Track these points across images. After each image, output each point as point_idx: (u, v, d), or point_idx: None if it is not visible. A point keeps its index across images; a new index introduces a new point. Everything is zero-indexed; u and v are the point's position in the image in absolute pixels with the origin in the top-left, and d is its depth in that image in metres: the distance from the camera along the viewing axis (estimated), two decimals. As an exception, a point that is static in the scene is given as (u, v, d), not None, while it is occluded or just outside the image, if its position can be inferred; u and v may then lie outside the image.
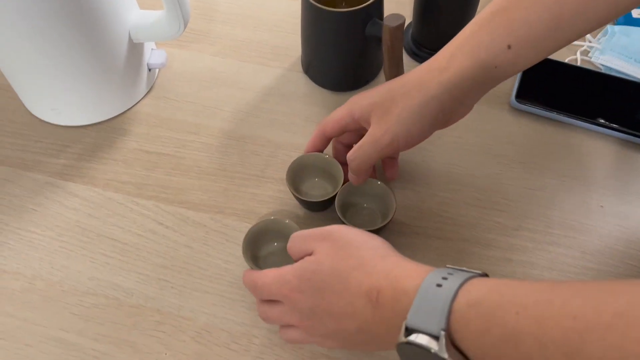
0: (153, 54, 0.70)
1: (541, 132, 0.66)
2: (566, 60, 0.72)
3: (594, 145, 0.65)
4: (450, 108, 0.50)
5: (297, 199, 0.58)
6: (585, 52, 0.73)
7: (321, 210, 0.60)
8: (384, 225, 0.55)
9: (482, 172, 0.63)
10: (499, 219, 0.60)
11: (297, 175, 0.59)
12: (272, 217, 0.56)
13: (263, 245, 0.56)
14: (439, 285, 0.37)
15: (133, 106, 0.69)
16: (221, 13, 0.79)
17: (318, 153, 0.59)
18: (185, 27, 0.64)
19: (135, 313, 0.54)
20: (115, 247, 0.58)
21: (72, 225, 0.60)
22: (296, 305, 0.45)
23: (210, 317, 0.54)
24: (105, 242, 0.59)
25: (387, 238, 0.57)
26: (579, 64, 0.72)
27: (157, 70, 0.72)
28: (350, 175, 0.56)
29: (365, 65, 0.69)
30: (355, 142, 0.55)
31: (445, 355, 0.35)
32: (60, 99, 0.65)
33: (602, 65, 0.71)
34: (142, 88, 0.70)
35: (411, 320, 0.37)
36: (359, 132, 0.56)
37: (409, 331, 0.37)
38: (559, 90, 0.68)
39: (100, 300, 0.55)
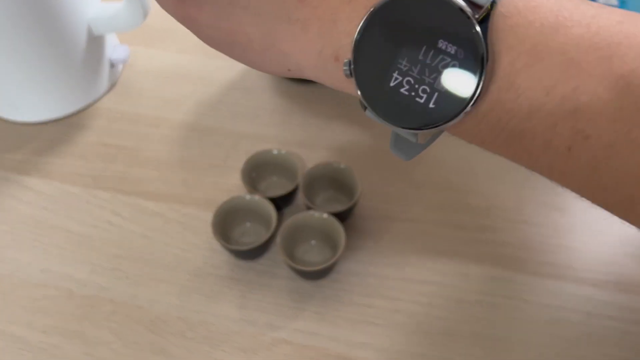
0: (115, 50, 0.68)
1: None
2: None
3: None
4: None
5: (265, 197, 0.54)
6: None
7: (285, 206, 0.57)
8: (350, 208, 0.52)
9: (451, 154, 0.61)
10: (469, 200, 0.57)
11: (253, 172, 0.57)
12: (247, 195, 0.53)
13: (235, 226, 0.53)
14: None
15: (94, 102, 0.67)
16: (187, 13, 0.78)
17: (273, 150, 0.57)
18: (145, 17, 0.62)
19: (87, 304, 0.51)
20: (69, 239, 0.55)
21: (26, 218, 0.57)
22: None
23: (166, 305, 0.51)
24: (59, 233, 0.56)
25: (355, 224, 0.55)
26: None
27: (120, 66, 0.70)
28: None
29: None
30: None
31: (477, 29, 0.22)
32: (18, 95, 0.63)
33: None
34: (104, 84, 0.68)
35: None
36: None
37: None
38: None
39: (50, 292, 0.52)
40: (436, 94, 0.24)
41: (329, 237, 0.51)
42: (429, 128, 0.25)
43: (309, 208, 0.53)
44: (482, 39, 0.22)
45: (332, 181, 0.56)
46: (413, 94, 0.24)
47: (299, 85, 0.68)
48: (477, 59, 0.23)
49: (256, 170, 0.56)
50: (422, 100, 0.24)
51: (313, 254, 0.52)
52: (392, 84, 0.25)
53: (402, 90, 0.25)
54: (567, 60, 0.22)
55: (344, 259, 0.53)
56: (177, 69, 0.71)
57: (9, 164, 0.62)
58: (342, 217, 0.53)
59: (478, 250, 0.53)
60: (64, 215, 0.57)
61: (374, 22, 0.24)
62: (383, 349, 0.48)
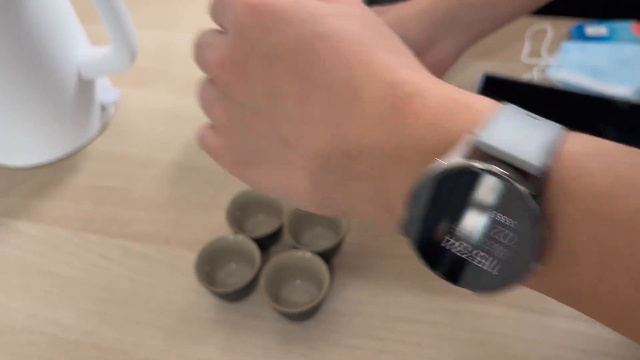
0: (106, 92, 0.69)
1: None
2: (523, 77, 0.70)
3: (555, 157, 0.62)
4: (416, 40, 0.48)
5: (251, 238, 0.53)
6: (542, 71, 0.71)
7: (271, 245, 0.56)
8: (336, 246, 0.51)
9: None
10: (458, 235, 0.56)
11: (238, 211, 0.56)
12: (230, 235, 0.52)
13: (220, 267, 0.53)
14: (529, 115, 0.25)
15: (86, 144, 0.67)
16: (178, 53, 0.79)
17: None
18: (133, 60, 0.63)
19: (72, 349, 0.50)
20: (56, 283, 0.55)
21: (14, 263, 0.57)
22: (231, 86, 0.28)
23: (151, 350, 0.50)
24: (47, 277, 0.55)
25: (341, 261, 0.54)
26: (536, 81, 0.70)
27: (112, 108, 0.71)
28: None
29: None
30: None
31: (534, 204, 0.22)
32: (8, 139, 0.63)
33: (560, 81, 0.69)
34: (95, 126, 0.68)
35: (490, 137, 0.23)
36: None
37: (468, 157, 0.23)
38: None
39: (36, 338, 0.51)
40: (497, 263, 0.24)
41: (314, 276, 0.50)
42: (494, 291, 0.25)
43: (294, 247, 0.52)
44: (538, 214, 0.22)
45: (318, 218, 0.55)
46: (473, 259, 0.24)
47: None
48: (535, 232, 0.22)
49: (241, 210, 0.56)
50: (484, 267, 0.24)
51: (299, 294, 0.51)
52: (448, 247, 0.24)
53: (460, 254, 0.24)
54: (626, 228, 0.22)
55: (331, 298, 0.52)
56: (168, 109, 0.71)
57: None
58: (328, 255, 0.52)
59: (468, 286, 0.52)
60: (52, 259, 0.57)
61: (427, 187, 0.24)
62: (370, 392, 0.46)
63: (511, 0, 0.48)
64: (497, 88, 0.68)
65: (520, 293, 0.50)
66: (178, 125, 0.69)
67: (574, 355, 0.47)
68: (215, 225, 0.58)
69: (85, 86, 0.65)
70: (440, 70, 0.54)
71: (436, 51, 0.51)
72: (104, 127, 0.69)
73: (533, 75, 0.70)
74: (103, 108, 0.69)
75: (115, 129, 0.69)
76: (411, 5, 0.50)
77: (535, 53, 0.73)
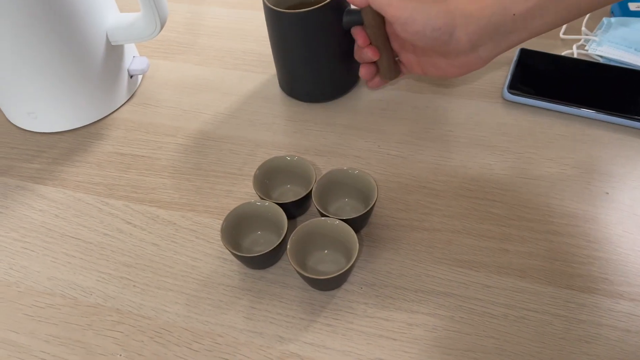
0: (134, 61, 0.67)
1: (537, 123, 0.60)
2: (562, 54, 0.66)
3: (595, 134, 0.59)
4: (460, 42, 0.50)
5: (275, 203, 0.51)
6: (581, 47, 0.68)
7: (298, 213, 0.54)
8: (367, 213, 0.49)
9: (474, 163, 0.57)
10: (493, 209, 0.53)
11: (266, 179, 0.54)
12: (257, 201, 0.50)
13: (246, 234, 0.51)
14: None
15: (112, 113, 0.66)
16: (207, 27, 0.77)
17: (288, 156, 0.54)
18: (161, 27, 0.61)
19: (92, 313, 0.49)
20: (79, 247, 0.53)
21: (37, 227, 0.55)
22: None
23: (172, 315, 0.48)
24: (69, 242, 0.54)
25: (370, 232, 0.52)
26: (572, 56, 0.66)
27: (139, 78, 0.69)
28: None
29: (349, 64, 0.64)
30: None
31: None
32: (37, 103, 0.62)
33: (600, 56, 0.65)
34: (122, 95, 0.67)
35: None
36: None
37: None
38: (555, 82, 0.63)
39: (56, 300, 0.50)
40: None
41: (343, 245, 0.48)
42: None
43: (322, 215, 0.50)
44: None
45: (347, 188, 0.52)
46: None
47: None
48: None
49: (269, 177, 0.54)
50: None
51: (326, 264, 0.49)
52: None
53: None
54: None
55: (359, 269, 0.49)
56: (196, 81, 0.69)
57: (25, 173, 0.61)
58: (357, 224, 0.50)
59: (503, 261, 0.49)
60: (75, 223, 0.55)
61: None
62: (399, 365, 0.44)
63: (553, 12, 0.47)
64: (533, 62, 0.65)
65: (558, 269, 0.47)
66: (205, 96, 0.67)
67: (615, 334, 0.44)
68: (241, 194, 0.56)
69: (114, 53, 0.64)
70: (467, 70, 0.54)
71: (473, 56, 0.51)
72: (131, 96, 0.68)
73: (573, 52, 0.67)
74: (131, 77, 0.67)
75: (142, 99, 0.68)
76: (463, 2, 0.49)
77: (574, 30, 0.70)
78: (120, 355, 0.46)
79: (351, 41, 0.58)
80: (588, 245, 0.50)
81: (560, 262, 0.49)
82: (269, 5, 0.57)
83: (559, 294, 0.47)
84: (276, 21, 0.58)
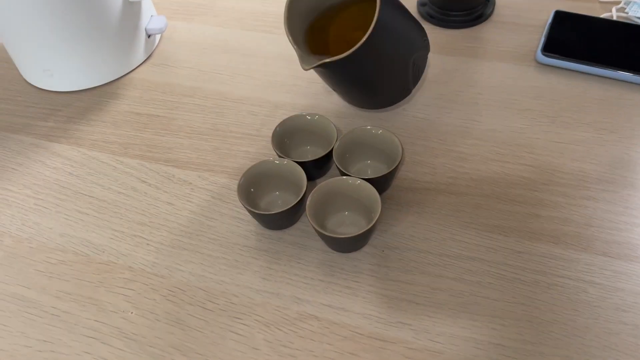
0: (152, 20, 0.65)
1: (572, 87, 0.57)
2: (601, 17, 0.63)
3: (635, 98, 0.55)
4: None
5: (295, 162, 0.48)
6: (621, 9, 0.64)
7: (318, 175, 0.51)
8: (391, 173, 0.47)
9: (505, 127, 0.54)
10: (525, 174, 0.50)
11: (286, 138, 0.51)
12: (274, 159, 0.48)
13: (264, 194, 0.49)
14: None
15: (129, 72, 0.64)
16: (228, -12, 0.75)
17: (309, 115, 0.51)
18: (180, -18, 0.59)
19: (104, 270, 0.47)
20: (92, 204, 0.52)
21: (51, 184, 0.54)
22: None
23: (186, 274, 0.46)
24: (82, 199, 0.52)
25: (393, 195, 0.49)
26: (609, 18, 0.63)
27: (156, 37, 0.67)
28: None
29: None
30: None
31: None
32: (53, 60, 0.60)
33: (642, 19, 0.62)
34: (139, 54, 0.65)
35: None
36: None
37: None
38: (592, 44, 0.59)
39: (68, 257, 0.48)
40: None
41: (364, 206, 0.46)
42: None
43: (343, 175, 0.47)
44: None
45: (370, 149, 0.50)
46: None
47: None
48: None
49: (289, 137, 0.51)
50: None
51: (347, 226, 0.47)
52: None
53: None
54: None
55: (381, 232, 0.47)
56: (215, 42, 0.67)
57: (40, 131, 0.59)
58: (380, 185, 0.47)
59: (536, 227, 0.46)
60: (89, 181, 0.54)
61: None
62: (423, 330, 0.41)
63: None
64: (569, 25, 0.61)
65: (594, 236, 0.45)
66: (224, 57, 0.65)
67: (655, 306, 0.41)
68: (259, 155, 0.54)
69: (131, 11, 0.62)
70: None
71: None
72: (148, 56, 0.66)
73: (612, 14, 0.63)
74: (148, 36, 0.65)
75: (159, 59, 0.66)
76: None
77: (614, -7, 0.66)
78: (132, 312, 0.44)
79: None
80: (625, 212, 0.47)
81: (596, 229, 0.46)
82: (319, 63, 0.46)
83: (595, 261, 0.44)
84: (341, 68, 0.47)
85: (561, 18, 0.62)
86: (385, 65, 0.49)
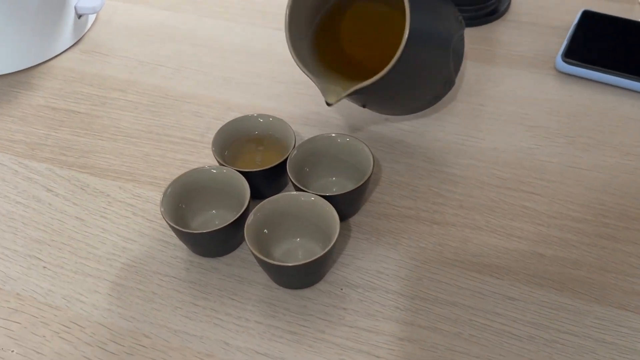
0: (84, -3, 0.67)
1: (597, 102, 0.58)
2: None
3: (676, 119, 0.56)
4: None
5: (238, 171, 0.49)
6: (665, 14, 0.65)
7: (268, 190, 0.51)
8: (357, 191, 0.46)
9: (510, 146, 0.55)
10: (529, 203, 0.50)
11: (232, 144, 0.52)
12: (211, 167, 0.48)
13: (196, 212, 0.49)
14: None
15: (50, 60, 0.65)
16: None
17: (261, 117, 0.52)
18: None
19: (-15, 297, 0.47)
20: (-18, 215, 0.52)
21: None
22: None
23: (88, 307, 0.46)
24: (-30, 209, 0.52)
25: (362, 221, 0.50)
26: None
27: (89, 19, 0.69)
28: None
29: None
30: None
31: None
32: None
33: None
34: (66, 38, 0.66)
35: None
36: None
37: None
38: (624, 51, 0.60)
39: (-58, 279, 0.48)
40: None
41: (321, 232, 0.45)
42: None
43: (297, 190, 0.47)
44: None
45: (335, 161, 0.50)
46: None
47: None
48: None
49: (233, 142, 0.52)
50: None
51: (298, 256, 0.46)
52: None
53: None
54: None
55: (342, 266, 0.47)
56: (160, 28, 0.69)
57: None
58: (344, 206, 0.47)
59: (537, 269, 0.46)
60: (-18, 186, 0.54)
61: None
62: (381, 391, 0.40)
63: None
64: (599, 28, 0.63)
65: (610, 283, 0.44)
66: (170, 47, 0.66)
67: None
68: (198, 165, 0.54)
69: (57, -17, 0.63)
70: None
71: None
72: (76, 41, 0.67)
73: (652, 18, 0.64)
74: (79, 17, 0.66)
75: (90, 45, 0.67)
76: None
77: (658, -6, 0.68)
78: (13, 351, 0.43)
79: None
80: (653, 256, 0.47)
81: (613, 275, 0.46)
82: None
83: (608, 315, 0.43)
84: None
85: (590, 20, 0.63)
86: (424, 68, 0.50)
